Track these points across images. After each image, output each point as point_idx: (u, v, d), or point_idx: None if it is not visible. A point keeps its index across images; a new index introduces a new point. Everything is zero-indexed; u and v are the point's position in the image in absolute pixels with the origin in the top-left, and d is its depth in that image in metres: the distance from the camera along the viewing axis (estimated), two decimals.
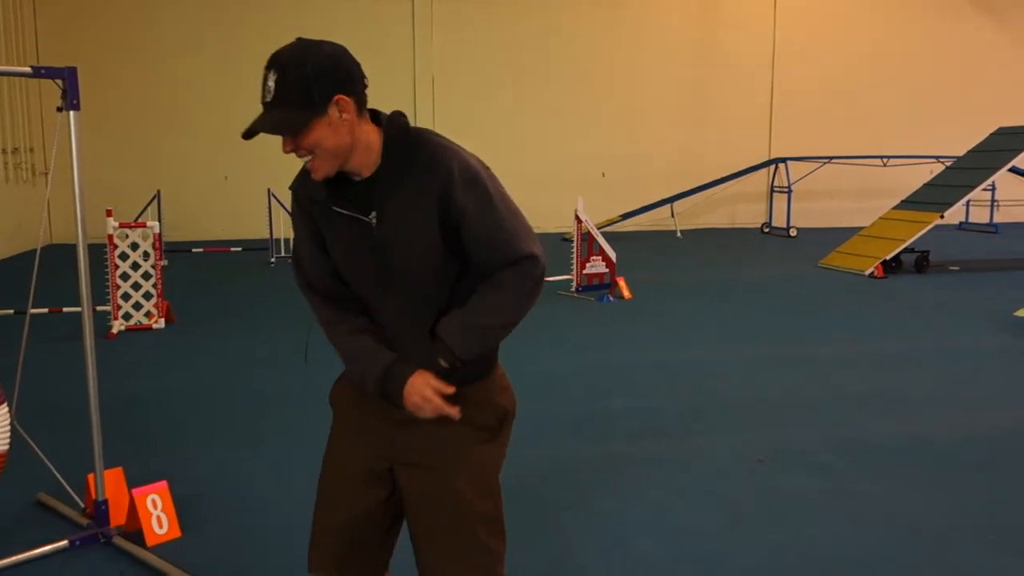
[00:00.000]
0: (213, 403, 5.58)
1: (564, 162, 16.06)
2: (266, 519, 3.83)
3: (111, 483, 3.71)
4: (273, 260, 12.01)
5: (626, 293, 9.20)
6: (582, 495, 4.07)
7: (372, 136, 2.04)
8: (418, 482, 2.13)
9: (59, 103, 3.41)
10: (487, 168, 2.09)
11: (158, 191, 12.35)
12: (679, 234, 15.35)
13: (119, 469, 3.83)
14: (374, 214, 2.04)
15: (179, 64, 15.10)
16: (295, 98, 1.93)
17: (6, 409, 3.39)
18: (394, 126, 2.07)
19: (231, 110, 15.50)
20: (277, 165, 16.13)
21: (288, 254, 12.25)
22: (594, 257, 9.36)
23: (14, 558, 3.42)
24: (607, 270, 9.42)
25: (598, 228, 9.72)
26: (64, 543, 3.53)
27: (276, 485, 4.22)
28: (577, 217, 9.24)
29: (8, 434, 3.39)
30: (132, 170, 14.50)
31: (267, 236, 12.24)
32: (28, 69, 3.37)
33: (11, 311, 8.06)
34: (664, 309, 8.62)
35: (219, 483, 4.26)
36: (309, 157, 2.00)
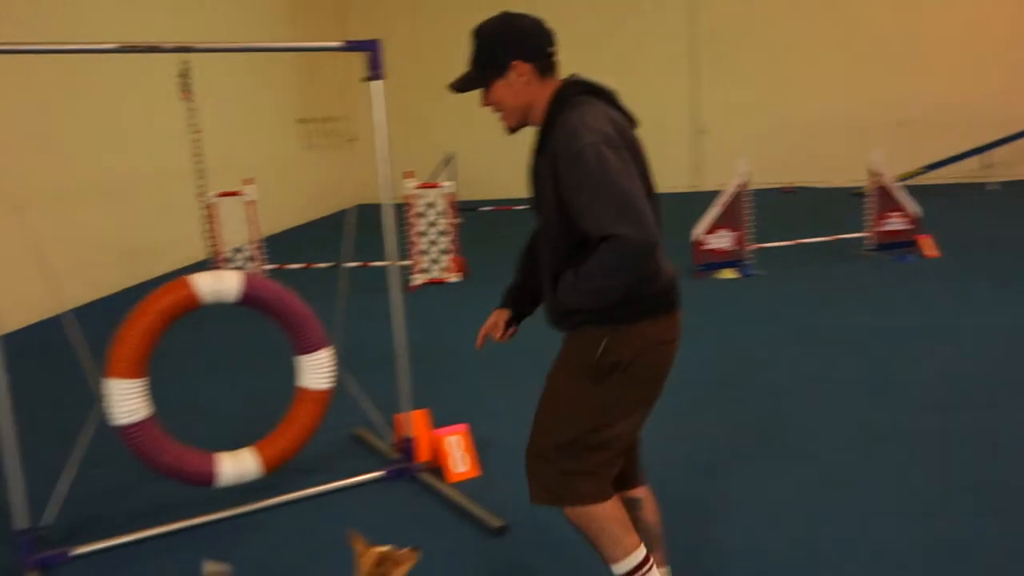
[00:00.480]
0: (507, 352, 5.87)
1: (857, 110, 15.00)
2: None
3: (417, 423, 4.05)
4: None
5: (931, 252, 8.48)
6: (883, 465, 3.86)
7: (544, 97, 2.34)
8: None
9: (365, 74, 3.71)
10: (603, 142, 2.18)
11: (452, 154, 13.05)
12: (993, 187, 13.86)
13: (425, 410, 4.16)
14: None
15: (466, 36, 15.81)
16: (482, 62, 2.37)
17: (328, 351, 3.80)
18: (559, 90, 2.34)
19: None
20: None
21: None
22: (893, 213, 8.70)
23: (336, 484, 3.85)
24: (908, 227, 8.72)
25: (896, 181, 9.01)
26: (377, 474, 3.91)
27: None
28: (873, 170, 8.62)
29: (331, 375, 3.80)
30: (429, 134, 15.46)
31: None
32: (340, 43, 3.69)
33: (329, 264, 8.95)
34: (974, 270, 7.86)
35: (515, 428, 4.49)
36: (500, 112, 2.39)
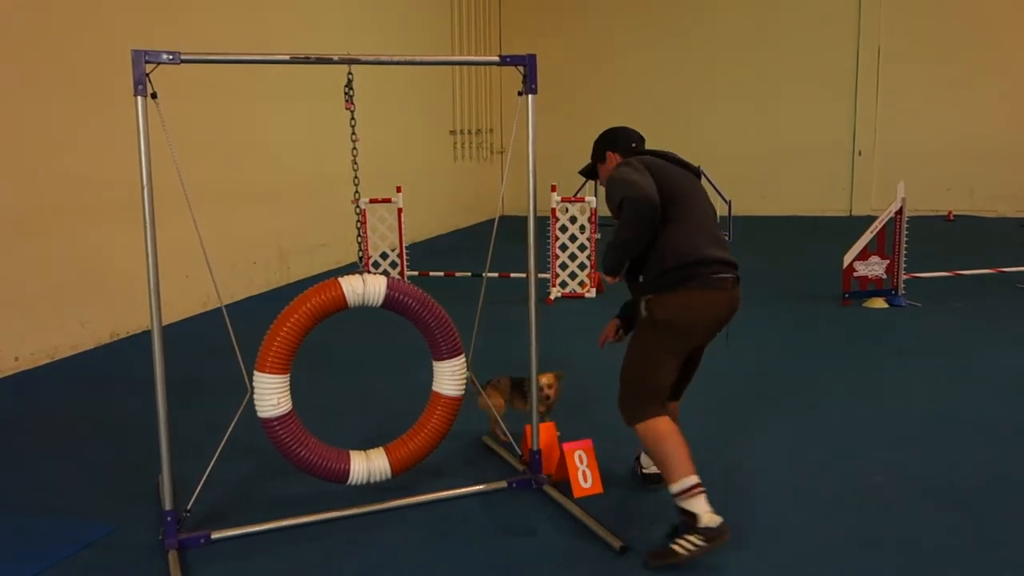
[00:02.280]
0: None
1: None
2: None
3: (545, 435, 4.06)
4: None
5: None
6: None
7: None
8: None
9: (519, 88, 3.77)
10: (629, 164, 3.50)
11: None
12: None
13: (551, 423, 4.17)
14: None
15: (621, 54, 15.89)
16: (592, 155, 3.85)
17: (464, 359, 3.86)
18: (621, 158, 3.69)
19: (666, 95, 15.95)
20: (706, 144, 16.28)
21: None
22: None
23: (461, 490, 3.90)
24: None
25: None
26: (503, 484, 3.95)
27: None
28: None
29: (464, 383, 3.86)
30: (573, 147, 15.53)
31: None
32: (496, 58, 3.77)
33: (469, 273, 9.11)
34: None
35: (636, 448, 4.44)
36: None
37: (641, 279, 3.45)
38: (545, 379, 4.20)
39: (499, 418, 4.26)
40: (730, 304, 3.45)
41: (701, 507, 3.20)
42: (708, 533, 3.15)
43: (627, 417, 3.48)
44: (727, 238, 12.13)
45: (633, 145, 3.70)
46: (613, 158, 3.69)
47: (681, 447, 3.29)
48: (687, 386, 3.80)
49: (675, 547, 3.19)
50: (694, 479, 3.24)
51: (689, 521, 3.22)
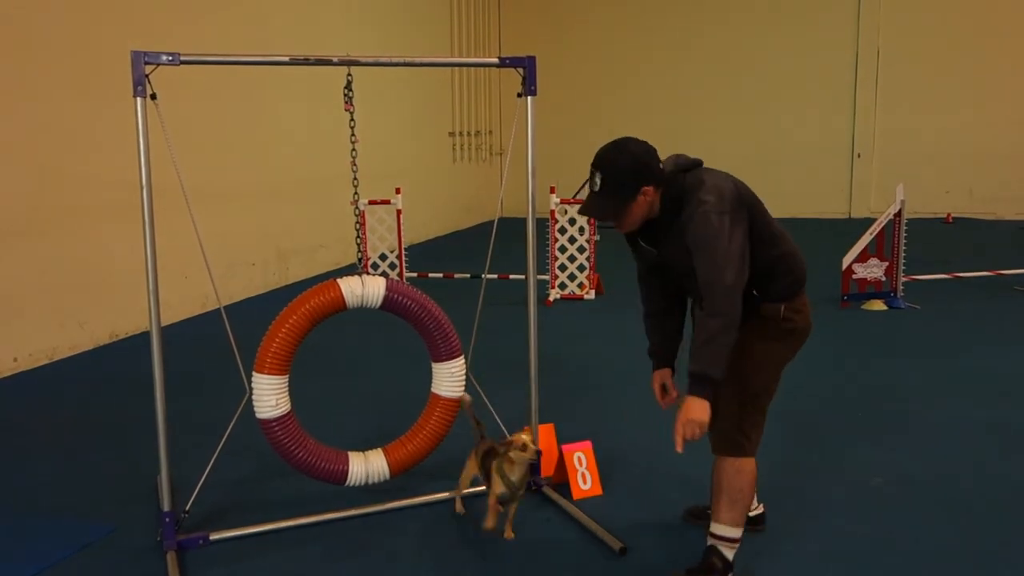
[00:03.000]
0: (637, 373, 5.82)
1: None
2: (682, 493, 3.92)
3: (544, 437, 4.06)
4: None
5: None
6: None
7: (657, 199, 2.91)
8: None
9: (518, 90, 3.77)
10: (722, 203, 2.81)
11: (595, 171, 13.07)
12: None
13: (551, 425, 4.17)
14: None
15: (620, 56, 15.92)
16: (615, 191, 2.87)
17: (463, 361, 3.86)
18: (669, 186, 2.90)
19: (666, 97, 15.97)
20: (705, 147, 16.27)
21: None
22: None
23: (455, 493, 3.90)
24: None
25: None
26: None
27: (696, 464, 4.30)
28: None
29: (463, 384, 3.86)
30: (572, 149, 15.53)
31: None
32: (495, 60, 3.77)
33: (468, 275, 9.11)
34: None
35: (637, 448, 4.45)
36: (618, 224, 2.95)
37: (764, 291, 2.98)
38: (526, 436, 3.42)
39: (462, 489, 3.78)
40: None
41: (731, 558, 3.09)
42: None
43: (742, 446, 3.03)
44: None
45: (661, 168, 2.92)
46: (650, 192, 2.89)
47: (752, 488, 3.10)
48: None
49: None
50: (741, 532, 3.08)
51: (716, 565, 3.07)
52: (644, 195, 2.87)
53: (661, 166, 2.90)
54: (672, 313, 3.22)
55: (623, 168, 2.85)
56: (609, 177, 2.87)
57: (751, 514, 3.38)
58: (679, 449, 2.88)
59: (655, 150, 2.93)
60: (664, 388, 3.28)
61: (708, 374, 2.81)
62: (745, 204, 2.88)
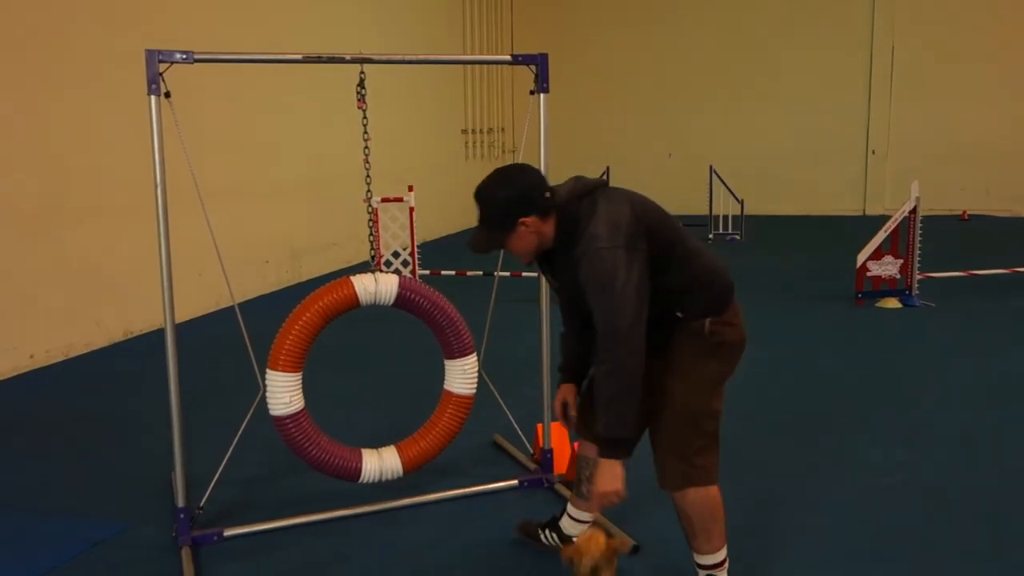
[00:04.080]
0: None
1: None
2: None
3: (556, 435, 4.06)
4: (711, 236, 12.12)
5: None
6: None
7: (550, 228, 2.74)
8: None
9: (530, 87, 3.77)
10: (616, 234, 2.58)
11: (607, 167, 13.06)
12: None
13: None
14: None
15: (633, 52, 15.88)
16: (494, 223, 2.75)
17: (475, 358, 3.86)
18: (563, 215, 2.72)
19: (677, 94, 15.93)
20: (719, 144, 16.27)
21: (726, 232, 12.28)
22: None
23: (473, 488, 3.91)
24: None
25: None
26: (515, 482, 3.95)
27: None
28: None
29: (475, 381, 3.86)
30: (584, 146, 15.52)
31: (706, 212, 12.38)
32: (507, 57, 3.77)
33: (480, 272, 9.11)
34: None
35: (648, 448, 4.43)
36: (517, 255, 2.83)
37: (686, 310, 2.76)
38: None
39: None
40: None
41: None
42: None
43: (691, 477, 2.76)
44: (738, 238, 12.11)
45: (547, 195, 2.73)
46: (531, 223, 2.71)
47: (721, 518, 2.83)
48: None
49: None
50: (725, 549, 2.88)
51: None
52: (525, 226, 2.70)
53: (548, 195, 2.71)
54: (587, 331, 2.79)
55: (499, 200, 2.72)
56: (487, 209, 2.76)
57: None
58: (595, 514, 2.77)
59: (540, 178, 2.78)
60: (565, 407, 3.07)
61: (615, 436, 2.63)
62: (644, 228, 2.64)
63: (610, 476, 2.66)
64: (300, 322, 3.53)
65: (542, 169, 3.83)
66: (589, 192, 2.74)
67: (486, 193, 2.77)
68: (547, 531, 3.30)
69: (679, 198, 15.24)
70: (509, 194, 2.73)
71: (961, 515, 3.64)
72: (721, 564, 2.86)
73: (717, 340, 2.77)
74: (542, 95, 3.76)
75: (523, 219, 2.70)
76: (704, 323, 2.75)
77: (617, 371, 2.57)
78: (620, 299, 2.54)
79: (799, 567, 3.25)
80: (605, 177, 2.68)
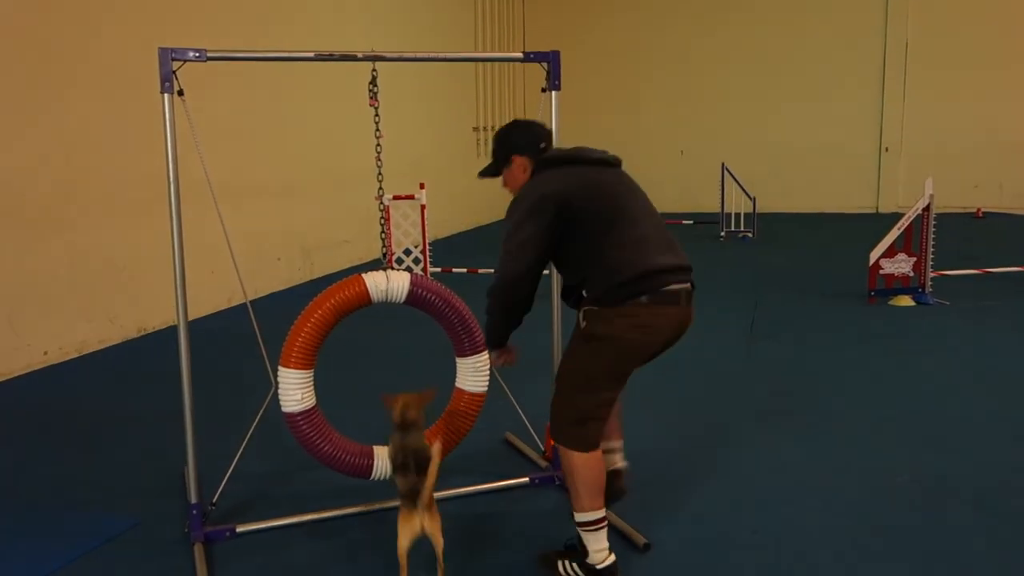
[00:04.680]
0: (660, 368, 5.81)
1: None
2: (705, 488, 3.91)
3: None
4: (723, 233, 12.09)
5: None
6: None
7: (527, 175, 3.23)
8: None
9: (542, 85, 3.77)
10: (532, 196, 3.02)
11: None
12: None
13: None
14: None
15: (646, 49, 15.85)
16: (496, 155, 3.35)
17: (487, 355, 3.86)
18: (534, 169, 3.20)
19: (689, 91, 15.89)
20: (731, 141, 16.23)
21: (738, 229, 12.24)
22: None
23: (484, 486, 3.91)
24: None
25: None
26: (526, 480, 3.95)
27: (717, 460, 4.29)
28: None
29: (487, 379, 3.87)
30: (596, 144, 15.46)
31: (718, 210, 12.35)
32: (519, 55, 3.77)
33: (492, 270, 9.11)
34: None
35: (659, 447, 4.44)
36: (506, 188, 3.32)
37: (585, 295, 3.02)
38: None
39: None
40: (680, 322, 3.01)
41: (597, 544, 3.04)
42: (594, 573, 3.04)
43: (564, 440, 3.04)
44: (750, 235, 12.07)
45: (542, 146, 3.23)
46: (520, 162, 3.21)
47: (596, 486, 3.03)
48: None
49: (560, 567, 3.16)
50: (601, 512, 3.04)
51: (581, 551, 3.08)
52: (515, 164, 3.24)
53: (542, 147, 3.24)
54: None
55: (502, 136, 3.33)
56: (494, 143, 3.36)
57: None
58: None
59: (543, 132, 3.31)
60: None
61: (488, 341, 3.40)
62: (565, 204, 2.95)
63: (494, 358, 3.48)
64: (312, 319, 3.54)
65: None
66: (559, 163, 3.14)
67: (498, 131, 3.38)
68: (566, 561, 3.19)
69: (691, 195, 15.30)
70: (511, 134, 3.31)
71: (976, 514, 3.63)
72: (586, 524, 3.04)
73: (588, 332, 3.01)
74: (554, 92, 3.76)
75: (515, 156, 3.24)
76: (580, 312, 3.08)
77: (490, 293, 3.16)
78: (508, 243, 3.02)
79: (809, 566, 3.24)
80: (611, 155, 2.74)
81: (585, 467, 3.01)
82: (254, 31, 8.45)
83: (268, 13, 8.74)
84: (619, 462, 3.37)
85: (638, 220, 3.02)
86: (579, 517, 3.06)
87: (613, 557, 3.05)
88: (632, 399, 5.20)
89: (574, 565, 3.12)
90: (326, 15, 9.82)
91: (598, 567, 3.03)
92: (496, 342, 3.35)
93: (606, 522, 3.06)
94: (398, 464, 3.07)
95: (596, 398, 3.01)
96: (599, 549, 3.04)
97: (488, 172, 3.40)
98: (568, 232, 2.99)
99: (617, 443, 3.40)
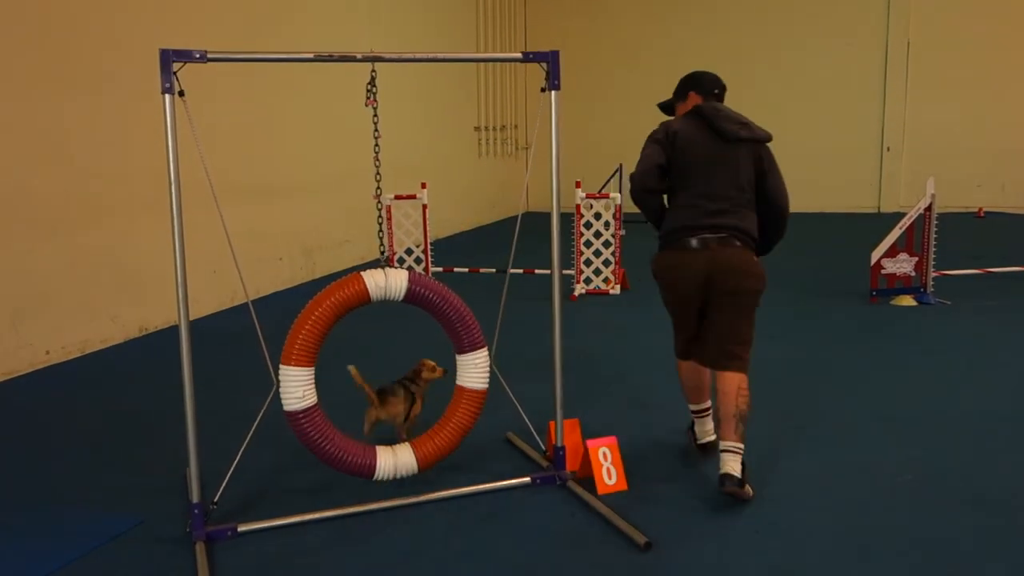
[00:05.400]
0: (662, 368, 5.81)
1: None
2: (707, 488, 3.91)
3: (568, 431, 4.06)
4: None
5: None
6: None
7: None
8: None
9: (543, 84, 3.77)
10: (656, 132, 3.99)
11: (620, 164, 13.05)
12: None
13: (576, 420, 4.17)
14: None
15: (646, 50, 15.84)
16: (676, 91, 4.15)
17: (487, 353, 3.87)
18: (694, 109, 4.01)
19: None
20: None
21: None
22: None
23: (485, 486, 3.91)
24: None
25: None
26: (527, 479, 3.95)
27: (714, 455, 4.30)
28: None
29: (488, 375, 3.87)
30: (596, 144, 15.50)
31: None
32: (519, 55, 3.77)
33: (493, 270, 9.13)
34: None
35: (665, 444, 4.44)
36: None
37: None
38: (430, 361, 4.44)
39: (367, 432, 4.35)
40: (707, 263, 3.78)
41: (700, 427, 4.27)
42: (698, 445, 4.27)
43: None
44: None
45: (715, 91, 4.05)
46: (694, 98, 4.02)
47: (691, 386, 4.19)
48: (714, 350, 3.89)
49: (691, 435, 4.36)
50: (696, 406, 4.25)
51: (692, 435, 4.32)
52: (690, 99, 4.04)
53: (715, 91, 4.04)
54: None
55: (687, 77, 4.12)
56: (680, 81, 4.14)
57: (699, 442, 4.29)
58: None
59: (717, 81, 4.08)
60: None
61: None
62: (672, 142, 3.89)
63: None
64: (312, 317, 3.55)
65: (553, 165, 3.86)
66: (699, 115, 3.93)
67: (688, 73, 4.14)
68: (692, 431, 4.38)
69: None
70: (697, 76, 4.10)
71: (977, 514, 3.63)
72: (692, 412, 4.28)
73: (653, 268, 4.03)
74: (553, 92, 3.76)
75: (691, 92, 4.05)
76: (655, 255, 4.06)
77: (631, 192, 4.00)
78: (641, 155, 3.95)
79: (810, 566, 3.24)
80: (747, 133, 3.36)
81: (679, 370, 4.19)
82: (254, 32, 8.45)
83: (268, 14, 8.75)
84: (710, 434, 4.26)
85: (704, 189, 3.84)
86: (690, 407, 4.28)
87: (711, 437, 4.21)
88: (632, 399, 5.21)
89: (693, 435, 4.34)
90: (326, 16, 9.82)
91: (698, 442, 4.27)
92: (654, 222, 4.06)
93: (704, 415, 4.26)
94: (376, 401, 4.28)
95: (674, 320, 4.08)
96: (702, 431, 4.26)
97: (666, 104, 4.24)
98: (668, 167, 3.90)
99: (706, 403, 4.27)
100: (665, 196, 3.97)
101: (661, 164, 3.85)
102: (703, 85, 4.02)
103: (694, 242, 3.79)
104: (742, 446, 3.75)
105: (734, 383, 3.81)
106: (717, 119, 3.85)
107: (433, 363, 4.37)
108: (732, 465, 3.68)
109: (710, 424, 4.22)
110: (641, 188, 3.88)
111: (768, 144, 4.01)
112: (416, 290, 3.70)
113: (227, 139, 7.80)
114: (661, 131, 3.92)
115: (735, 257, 3.78)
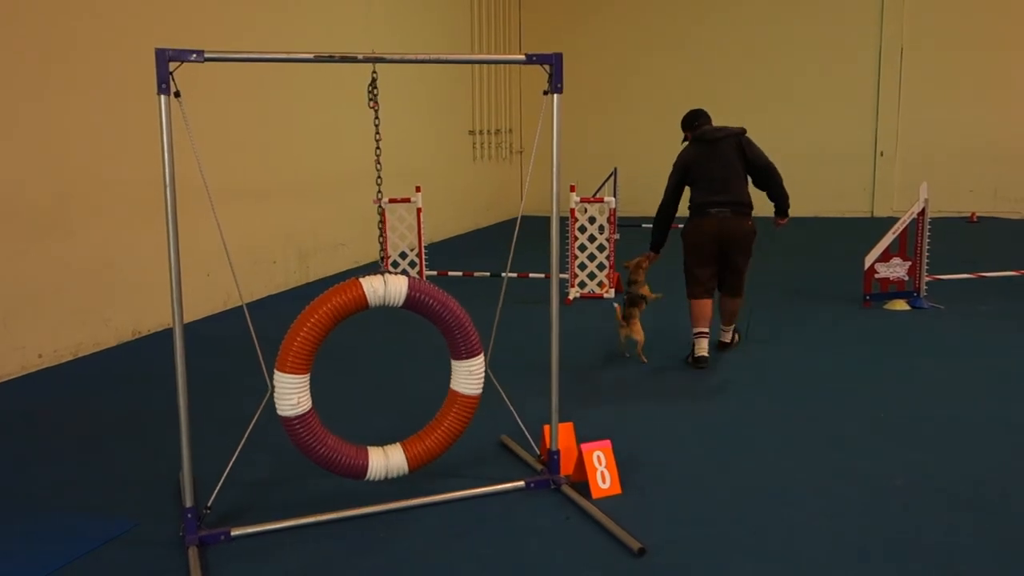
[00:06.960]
0: (656, 372, 5.81)
1: None
2: (701, 492, 3.91)
3: (563, 435, 4.05)
4: None
5: None
6: None
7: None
8: None
9: (539, 88, 3.75)
10: (676, 161, 6.14)
11: (615, 168, 13.05)
12: None
13: (570, 424, 4.17)
14: None
15: (641, 55, 15.86)
16: (682, 129, 6.35)
17: (482, 359, 3.87)
18: (689, 141, 6.20)
19: (687, 96, 15.89)
20: None
21: None
22: None
23: (479, 490, 3.91)
24: None
25: None
26: (521, 483, 3.95)
27: (714, 465, 4.29)
28: None
29: (482, 383, 3.87)
30: (593, 148, 15.51)
31: None
32: (522, 56, 3.74)
33: (488, 273, 9.12)
34: None
35: (657, 447, 4.44)
36: None
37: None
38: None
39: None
40: (719, 225, 5.85)
41: (698, 345, 5.88)
42: (694, 359, 5.90)
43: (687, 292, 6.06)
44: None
45: (696, 123, 6.11)
46: (688, 134, 6.17)
47: (698, 315, 5.92)
48: (730, 280, 6.07)
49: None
50: (696, 329, 5.91)
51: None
52: (686, 135, 6.22)
53: (696, 124, 6.14)
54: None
55: (683, 119, 6.30)
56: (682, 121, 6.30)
57: (696, 355, 5.88)
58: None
59: (697, 115, 6.21)
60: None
61: (652, 244, 6.27)
62: (686, 168, 6.01)
63: (651, 257, 6.30)
64: (308, 324, 3.53)
65: (554, 169, 3.85)
66: (695, 141, 6.05)
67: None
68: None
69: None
70: (682, 119, 6.27)
71: (972, 516, 3.63)
72: (693, 334, 5.95)
73: (683, 230, 6.06)
74: (556, 95, 3.74)
75: (685, 131, 6.22)
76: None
77: (656, 216, 6.20)
78: (667, 183, 6.11)
79: (807, 568, 3.24)
80: (724, 132, 5.96)
81: (691, 307, 5.98)
82: (253, 33, 8.44)
83: (267, 15, 8.74)
84: (704, 350, 5.86)
85: (711, 178, 5.92)
86: (693, 330, 5.93)
87: (704, 353, 5.85)
88: (630, 399, 5.21)
89: (692, 352, 6.00)
90: (325, 17, 9.81)
91: (695, 355, 5.88)
92: (653, 247, 6.19)
93: (703, 336, 5.89)
94: (627, 300, 6.14)
95: (690, 269, 6.01)
96: (699, 348, 5.87)
97: (684, 139, 6.22)
98: (688, 176, 5.99)
99: (706, 328, 5.92)
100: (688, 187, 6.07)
101: (680, 190, 6.04)
102: (689, 125, 6.17)
103: (712, 211, 5.86)
104: (734, 325, 6.32)
105: (736, 304, 6.19)
106: (705, 137, 6.00)
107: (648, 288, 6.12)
108: (726, 336, 6.33)
109: (705, 343, 5.88)
110: (666, 213, 6.10)
111: (745, 135, 6.02)
112: (416, 296, 3.69)
113: (223, 141, 7.78)
114: (679, 161, 6.05)
115: (734, 221, 5.89)
